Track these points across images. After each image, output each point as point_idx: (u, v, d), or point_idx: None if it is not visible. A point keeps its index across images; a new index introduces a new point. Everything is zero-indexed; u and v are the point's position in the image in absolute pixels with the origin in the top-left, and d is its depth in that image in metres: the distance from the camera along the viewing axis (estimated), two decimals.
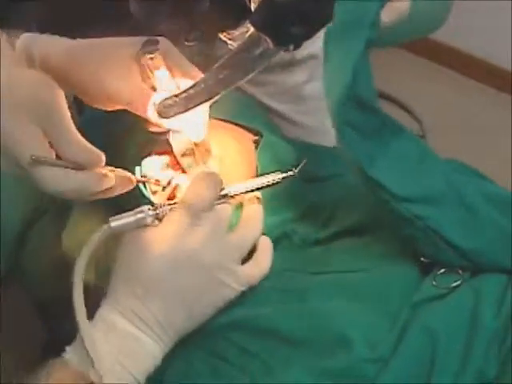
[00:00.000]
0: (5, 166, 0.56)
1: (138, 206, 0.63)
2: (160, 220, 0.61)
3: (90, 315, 0.59)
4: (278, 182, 0.67)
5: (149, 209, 0.60)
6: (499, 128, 1.99)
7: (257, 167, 0.73)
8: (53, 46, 0.64)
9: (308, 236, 0.72)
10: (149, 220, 0.60)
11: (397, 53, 2.24)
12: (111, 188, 0.60)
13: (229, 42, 0.55)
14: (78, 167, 0.55)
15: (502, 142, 1.90)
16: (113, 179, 0.59)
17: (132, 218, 0.60)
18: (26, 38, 0.65)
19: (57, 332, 0.89)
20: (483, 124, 2.07)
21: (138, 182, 0.65)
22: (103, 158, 0.57)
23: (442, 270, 0.64)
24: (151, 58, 0.61)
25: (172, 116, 0.58)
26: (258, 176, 0.72)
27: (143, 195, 0.67)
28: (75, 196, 0.57)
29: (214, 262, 0.60)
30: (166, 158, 0.69)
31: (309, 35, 0.49)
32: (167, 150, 0.68)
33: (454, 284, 0.63)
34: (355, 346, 0.58)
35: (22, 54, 0.64)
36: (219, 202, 0.63)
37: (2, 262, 0.81)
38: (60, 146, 0.55)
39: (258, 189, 0.66)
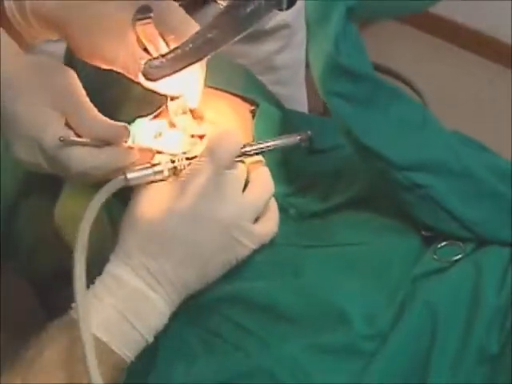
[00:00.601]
0: (21, 154, 0.57)
1: None
2: (177, 175, 0.60)
3: None
4: (293, 144, 0.67)
5: (166, 162, 0.59)
6: (501, 103, 1.97)
7: (253, 137, 0.71)
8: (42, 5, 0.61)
9: (305, 209, 0.70)
10: (166, 173, 0.59)
11: (399, 28, 2.21)
12: (134, 162, 0.60)
13: (219, 0, 0.52)
14: (104, 144, 0.56)
15: (504, 117, 1.88)
16: (137, 153, 0.59)
17: (149, 171, 0.59)
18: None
19: (54, 306, 0.88)
20: (485, 99, 2.05)
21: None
22: (129, 130, 0.58)
23: (443, 243, 0.62)
24: (144, 25, 0.59)
25: (159, 78, 0.56)
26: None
27: None
28: (101, 173, 0.58)
29: (232, 220, 0.59)
30: (160, 124, 0.66)
31: None
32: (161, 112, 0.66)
33: (455, 258, 0.61)
34: (353, 321, 0.57)
35: (12, 4, 0.62)
36: (238, 159, 0.63)
37: None
38: (82, 125, 0.56)
39: (275, 148, 0.66)
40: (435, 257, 0.61)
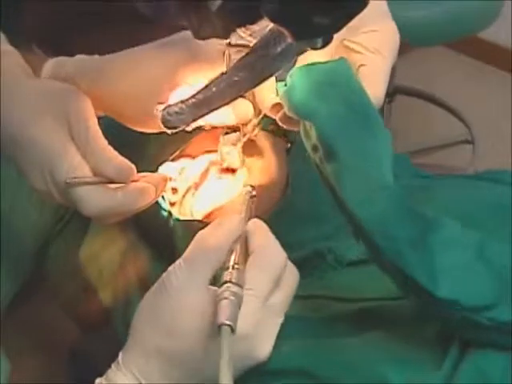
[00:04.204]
0: (35, 183, 0.54)
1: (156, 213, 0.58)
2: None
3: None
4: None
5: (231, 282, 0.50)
6: None
7: (288, 175, 0.67)
8: (83, 68, 0.59)
9: (344, 255, 0.65)
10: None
11: (444, 53, 2.15)
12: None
13: (248, 38, 0.48)
14: (112, 181, 0.53)
15: None
16: (153, 190, 0.56)
17: (237, 306, 0.49)
18: (52, 62, 0.60)
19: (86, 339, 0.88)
20: None
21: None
22: (134, 170, 0.54)
23: None
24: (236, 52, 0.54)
25: (178, 126, 0.52)
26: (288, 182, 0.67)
27: (160, 207, 0.63)
28: (116, 216, 0.55)
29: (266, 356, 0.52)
30: (183, 162, 0.64)
31: (338, 26, 0.41)
32: (186, 152, 0.64)
33: None
34: None
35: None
36: None
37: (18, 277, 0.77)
38: (90, 158, 0.53)
39: None
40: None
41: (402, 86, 1.91)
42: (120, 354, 0.52)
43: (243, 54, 0.52)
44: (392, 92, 1.84)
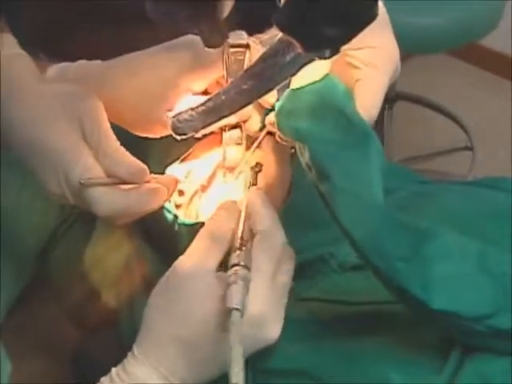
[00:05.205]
0: (48, 185, 0.55)
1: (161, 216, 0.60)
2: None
3: None
4: None
5: (239, 265, 0.53)
6: None
7: (292, 178, 0.68)
8: (85, 74, 0.60)
9: (347, 259, 0.66)
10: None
11: (445, 60, 2.16)
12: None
13: (257, 47, 0.49)
14: (125, 182, 0.54)
15: None
16: (164, 191, 0.57)
17: (245, 290, 0.52)
18: (55, 68, 0.61)
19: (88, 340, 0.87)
20: None
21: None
22: (147, 171, 0.55)
23: None
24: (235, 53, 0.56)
25: (189, 133, 0.53)
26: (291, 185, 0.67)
27: (166, 209, 0.63)
28: (129, 216, 0.56)
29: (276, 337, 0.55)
30: (190, 165, 0.65)
31: (347, 37, 0.42)
32: (193, 155, 0.65)
33: None
34: None
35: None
36: None
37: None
38: (102, 161, 0.54)
39: None
40: None
41: (403, 93, 1.92)
42: (134, 346, 0.54)
43: (241, 53, 0.55)
44: (393, 98, 1.85)
